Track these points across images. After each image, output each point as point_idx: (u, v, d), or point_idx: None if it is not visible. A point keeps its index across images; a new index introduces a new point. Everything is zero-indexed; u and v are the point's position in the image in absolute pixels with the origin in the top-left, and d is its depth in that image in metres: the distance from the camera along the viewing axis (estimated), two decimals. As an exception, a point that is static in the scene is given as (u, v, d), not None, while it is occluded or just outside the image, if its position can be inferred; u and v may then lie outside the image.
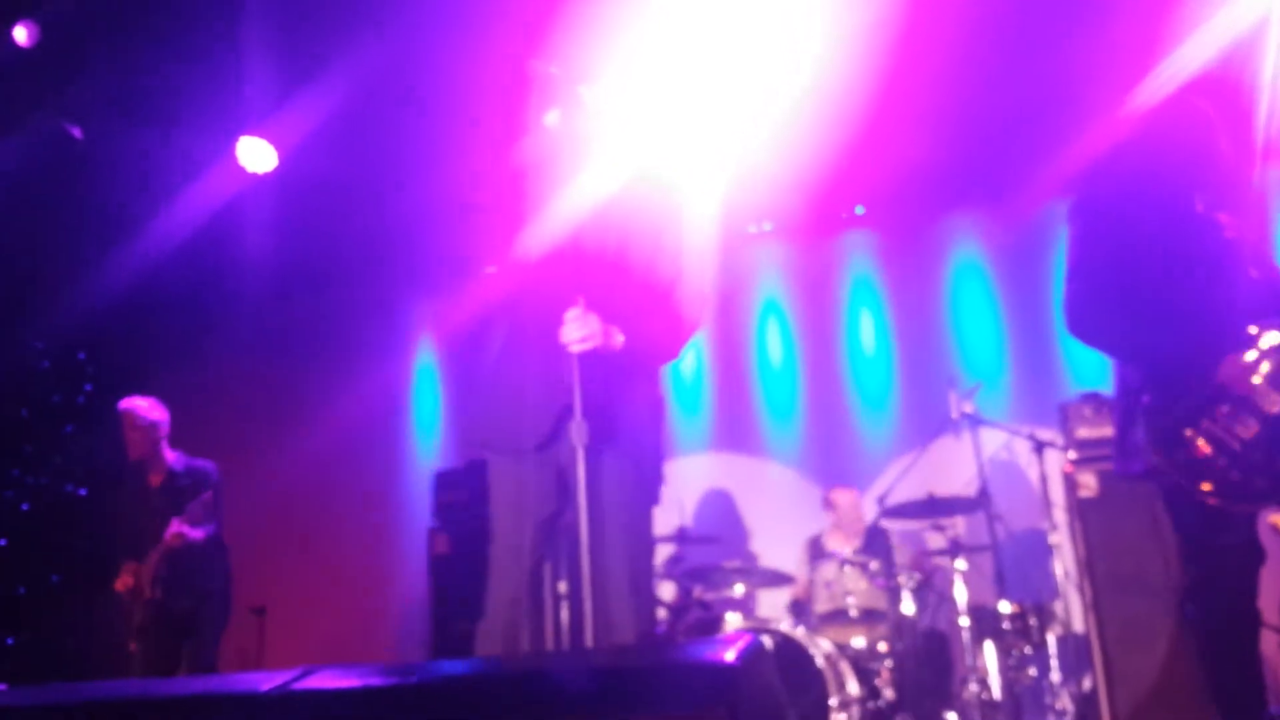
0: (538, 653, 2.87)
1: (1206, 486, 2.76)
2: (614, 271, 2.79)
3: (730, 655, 1.69)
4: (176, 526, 4.63)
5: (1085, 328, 3.01)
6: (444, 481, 5.83)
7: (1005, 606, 4.70)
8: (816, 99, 4.97)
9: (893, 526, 5.45)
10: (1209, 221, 2.97)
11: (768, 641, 4.43)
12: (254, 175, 5.70)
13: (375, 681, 1.83)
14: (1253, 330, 2.84)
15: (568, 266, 2.73)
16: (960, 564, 4.80)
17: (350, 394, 6.93)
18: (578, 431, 2.62)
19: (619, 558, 2.73)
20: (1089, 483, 4.71)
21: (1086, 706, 4.57)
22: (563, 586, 4.94)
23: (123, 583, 4.78)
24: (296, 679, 1.80)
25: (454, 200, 6.03)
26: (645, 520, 2.85)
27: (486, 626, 2.75)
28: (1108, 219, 3.05)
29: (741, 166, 5.03)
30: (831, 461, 6.16)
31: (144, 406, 4.93)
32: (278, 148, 5.65)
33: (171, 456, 4.94)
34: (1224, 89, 3.11)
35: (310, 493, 6.79)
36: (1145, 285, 2.91)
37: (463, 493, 5.70)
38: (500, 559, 2.75)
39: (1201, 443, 2.78)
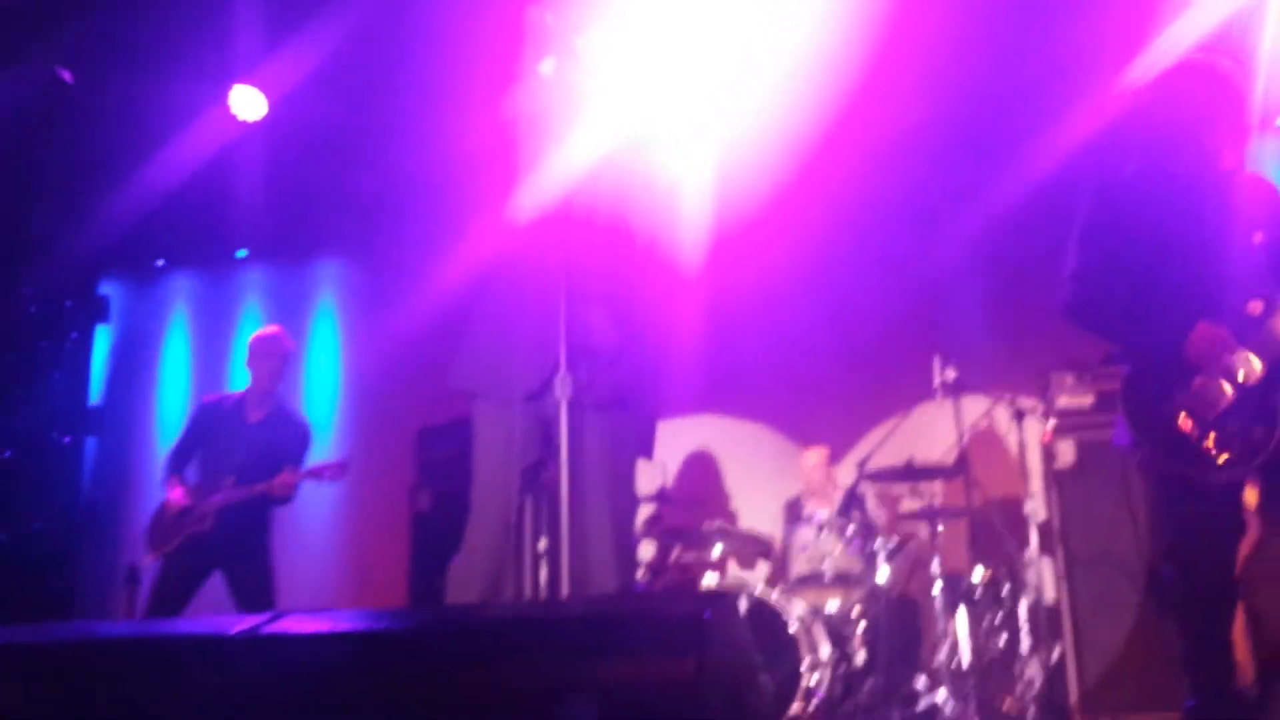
0: (510, 601, 2.90)
1: (1189, 459, 2.80)
2: (606, 233, 2.80)
3: (700, 609, 1.72)
4: (290, 475, 4.51)
5: (1081, 306, 3.05)
6: (428, 438, 5.84)
7: (978, 574, 4.76)
8: (810, 66, 4.97)
9: (871, 491, 5.50)
10: (1217, 187, 2.99)
11: (742, 603, 4.49)
12: (244, 123, 5.67)
13: (346, 626, 1.85)
14: (1241, 302, 2.86)
15: (559, 228, 2.74)
16: (936, 529, 4.85)
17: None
18: (562, 385, 2.64)
19: (601, 513, 2.76)
20: (1066, 452, 4.77)
21: (1055, 675, 4.64)
22: (543, 544, 4.98)
23: (179, 497, 4.59)
24: (266, 622, 1.81)
25: (447, 152, 5.99)
26: (629, 477, 2.88)
27: (463, 569, 2.77)
28: (1109, 203, 3.08)
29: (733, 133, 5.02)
30: (813, 424, 6.18)
31: (287, 336, 4.88)
32: (268, 95, 5.62)
33: (279, 398, 4.85)
34: (1217, 69, 3.10)
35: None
36: (1139, 263, 2.94)
37: (447, 449, 5.72)
38: (481, 504, 2.78)
39: (1180, 415, 2.82)
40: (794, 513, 5.48)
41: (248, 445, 4.62)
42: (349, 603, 6.27)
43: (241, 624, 1.81)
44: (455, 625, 1.88)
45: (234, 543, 4.56)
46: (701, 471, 6.39)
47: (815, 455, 5.60)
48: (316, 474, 4.60)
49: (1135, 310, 2.95)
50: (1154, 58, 4.83)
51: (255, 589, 4.58)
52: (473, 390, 2.87)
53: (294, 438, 4.74)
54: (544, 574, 4.94)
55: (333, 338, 7.20)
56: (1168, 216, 2.96)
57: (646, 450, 2.92)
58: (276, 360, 4.79)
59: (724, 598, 1.86)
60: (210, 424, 4.80)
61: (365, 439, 6.75)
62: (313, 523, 6.64)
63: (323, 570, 6.48)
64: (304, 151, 6.19)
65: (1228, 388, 2.80)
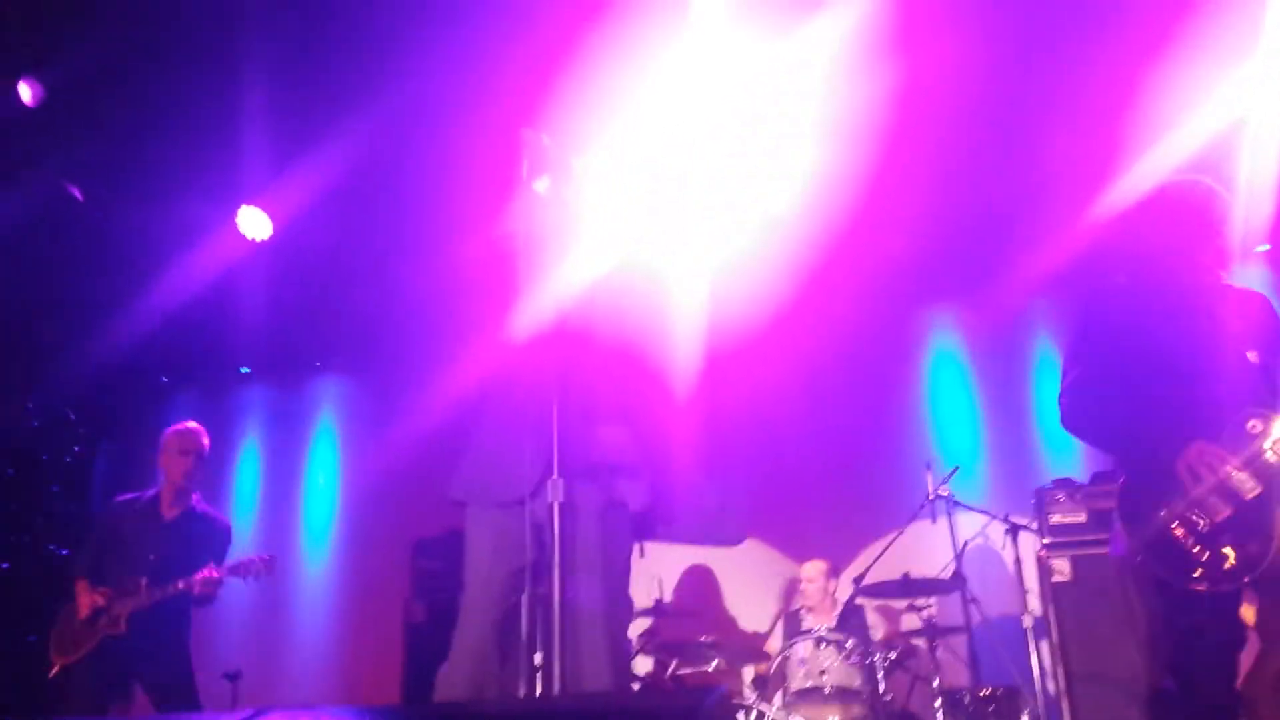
0: (499, 698, 2.87)
1: (1184, 571, 2.81)
2: (604, 351, 2.87)
3: (699, 699, 1.73)
4: (212, 572, 4.30)
5: (1078, 418, 3.10)
6: (422, 550, 5.83)
7: (979, 690, 4.70)
8: (803, 192, 5.13)
9: (870, 606, 5.47)
10: (1209, 299, 3.07)
11: (742, 716, 4.42)
12: (250, 243, 5.82)
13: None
14: (1239, 417, 2.90)
15: (554, 346, 2.81)
16: (935, 645, 4.81)
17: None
18: (554, 489, 2.68)
19: (595, 622, 2.76)
20: (1062, 567, 4.77)
21: (1059, 794, 4.55)
22: (539, 658, 4.92)
23: (90, 601, 4.35)
24: (249, 718, 1.80)
25: (445, 271, 6.13)
26: (623, 585, 2.89)
27: (450, 670, 2.75)
28: (1102, 314, 3.16)
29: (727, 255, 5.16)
30: (810, 541, 6.18)
31: (203, 432, 4.70)
32: (273, 216, 5.79)
33: (195, 496, 4.66)
34: (1199, 190, 3.23)
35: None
36: (1134, 375, 3.00)
37: (441, 561, 5.71)
38: (469, 606, 2.78)
39: (1174, 525, 2.84)
40: (793, 625, 5.44)
41: (162, 543, 4.45)
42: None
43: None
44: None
45: (149, 647, 4.35)
46: (698, 586, 6.35)
47: (815, 568, 5.59)
48: (241, 570, 4.40)
49: (1130, 422, 2.98)
50: (1136, 181, 5.01)
51: (176, 695, 4.36)
52: (467, 499, 2.90)
53: (212, 534, 4.58)
54: (539, 686, 4.90)
55: (332, 453, 7.24)
56: (1158, 328, 3.03)
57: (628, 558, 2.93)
58: (191, 457, 4.62)
59: (722, 693, 1.87)
60: (122, 523, 4.61)
61: (361, 550, 6.73)
62: (307, 631, 6.59)
63: (316, 679, 6.39)
64: (306, 271, 6.33)
65: (1224, 503, 2.83)
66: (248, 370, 7.38)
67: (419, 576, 5.74)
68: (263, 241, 5.78)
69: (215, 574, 4.34)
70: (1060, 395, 3.13)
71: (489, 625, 2.76)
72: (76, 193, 5.69)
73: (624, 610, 2.92)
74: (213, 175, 5.53)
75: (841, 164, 5.07)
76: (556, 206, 2.89)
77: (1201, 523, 2.82)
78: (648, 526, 2.89)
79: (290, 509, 7.11)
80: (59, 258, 6.02)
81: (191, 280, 5.96)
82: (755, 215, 5.15)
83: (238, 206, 5.69)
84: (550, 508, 2.61)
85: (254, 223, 5.70)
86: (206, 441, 4.73)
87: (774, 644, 5.50)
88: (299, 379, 7.45)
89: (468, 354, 6.26)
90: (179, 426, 4.76)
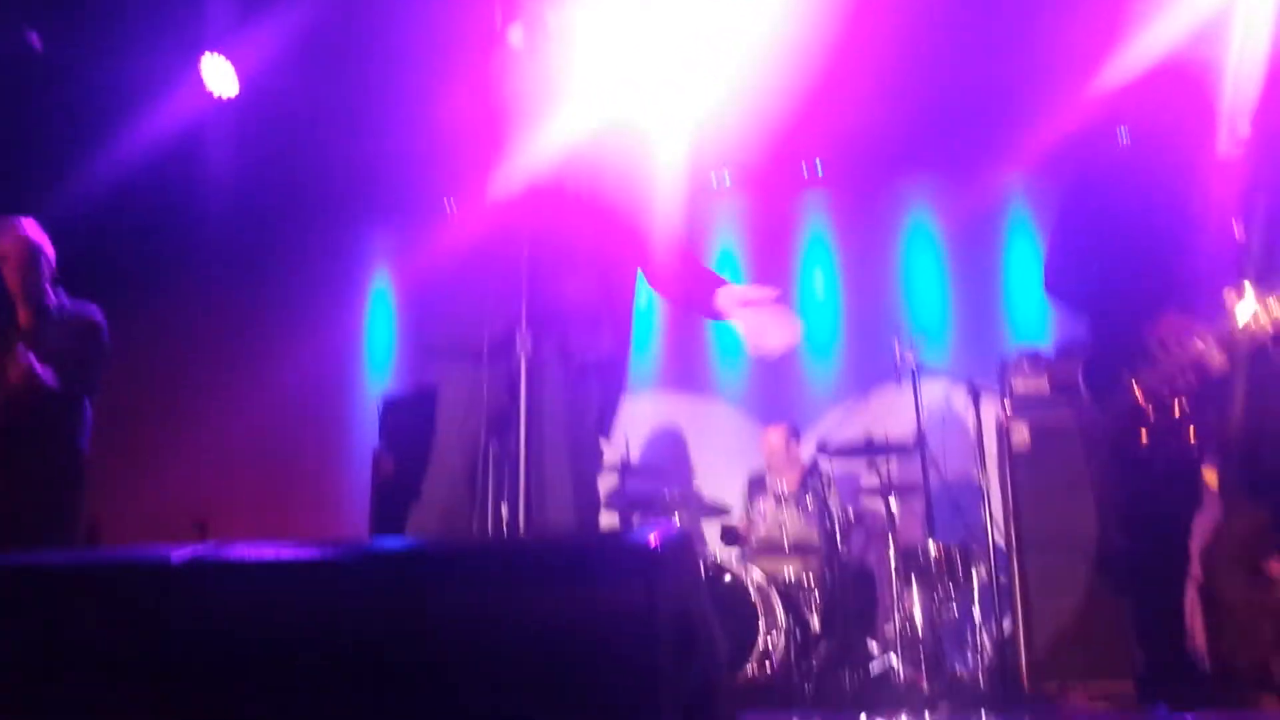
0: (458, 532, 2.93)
1: (1141, 434, 2.88)
2: (582, 213, 2.84)
3: (651, 539, 1.77)
4: (24, 357, 3.75)
5: (1061, 283, 3.14)
6: (392, 406, 5.87)
7: (932, 547, 4.86)
8: (782, 51, 5.03)
9: (831, 467, 5.59)
10: (1200, 173, 3.08)
11: (702, 568, 4.56)
12: (216, 98, 5.66)
13: (290, 554, 1.84)
14: (1215, 289, 2.94)
15: (535, 207, 2.77)
16: (893, 504, 4.95)
17: (306, 320, 6.96)
18: (522, 343, 2.69)
19: (561, 474, 2.80)
20: (1022, 433, 4.87)
21: (1005, 646, 4.75)
22: (504, 510, 5.03)
23: None
24: (209, 550, 1.81)
25: (419, 128, 6.01)
26: (592, 440, 2.92)
27: (422, 509, 2.80)
28: (1095, 183, 3.17)
29: (704, 115, 5.08)
30: (777, 403, 6.28)
31: (26, 224, 4.11)
32: (240, 70, 5.61)
33: (53, 298, 4.07)
34: (1189, 70, 3.21)
35: (260, 414, 6.83)
36: (1118, 245, 3.03)
37: (411, 418, 5.75)
38: (440, 457, 2.81)
39: (1140, 392, 2.90)
40: (757, 486, 5.57)
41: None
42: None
43: (183, 552, 1.81)
44: (399, 555, 1.90)
45: None
46: (664, 445, 6.47)
47: (776, 434, 5.69)
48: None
49: (1109, 289, 3.03)
50: (1124, 61, 4.93)
51: None
52: (438, 347, 2.90)
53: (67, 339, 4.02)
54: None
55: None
56: (1147, 204, 3.05)
57: (610, 415, 2.96)
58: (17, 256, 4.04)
59: (679, 532, 1.91)
60: None
61: (330, 409, 6.78)
62: (277, 482, 6.68)
63: (283, 531, 6.51)
64: (274, 125, 6.18)
65: (1191, 374, 2.88)
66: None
67: (389, 430, 5.78)
68: (230, 98, 5.63)
69: (28, 358, 3.81)
70: (1045, 260, 3.16)
71: (460, 476, 2.79)
72: (36, 41, 5.48)
73: (591, 462, 2.96)
74: (179, 25, 5.34)
75: (821, 33, 4.96)
76: (533, 62, 2.83)
77: (1166, 391, 2.88)
78: (613, 377, 2.90)
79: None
80: (17, 112, 5.83)
81: (156, 134, 5.81)
82: (733, 78, 5.06)
83: (200, 55, 5.51)
84: (517, 360, 2.63)
85: (219, 75, 5.53)
86: (28, 236, 4.09)
87: (739, 503, 5.64)
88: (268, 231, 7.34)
89: (438, 212, 6.21)
90: None
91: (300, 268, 7.09)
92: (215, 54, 5.58)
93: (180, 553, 1.82)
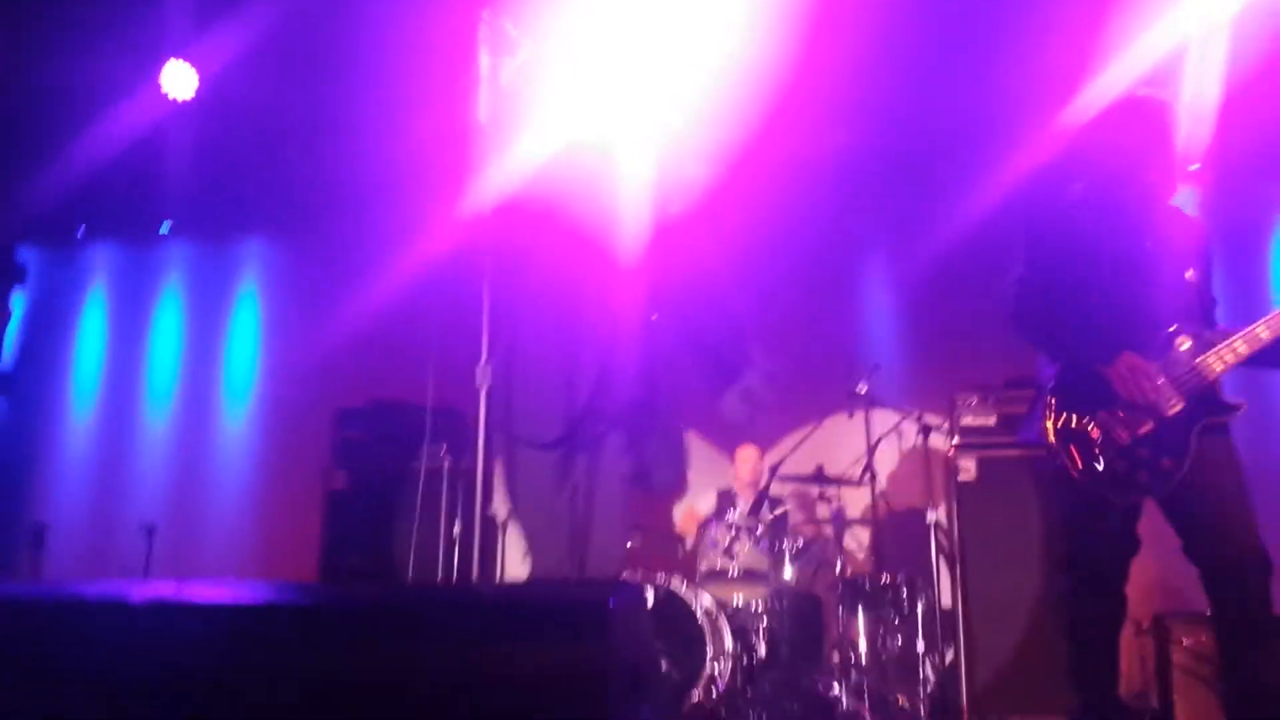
0: (422, 585, 2.98)
1: (1093, 473, 2.93)
2: (557, 230, 2.86)
3: (606, 597, 1.80)
4: None
5: (1027, 318, 3.18)
6: (346, 419, 5.84)
7: (880, 578, 4.93)
8: (745, 78, 5.07)
9: (784, 494, 5.65)
10: (1155, 216, 3.14)
11: (650, 594, 4.59)
12: (174, 102, 5.60)
13: (249, 598, 1.85)
14: (1169, 331, 3.01)
15: (511, 224, 2.80)
16: (842, 533, 5.01)
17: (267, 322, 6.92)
18: (482, 374, 2.72)
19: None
20: (968, 467, 4.96)
21: (948, 676, 4.83)
22: (457, 528, 5.03)
23: None
24: (169, 590, 1.82)
25: (380, 140, 5.98)
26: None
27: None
28: (1056, 220, 3.22)
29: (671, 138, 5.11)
30: (735, 430, 6.28)
31: None
32: (201, 72, 5.56)
33: None
34: (1147, 111, 3.28)
35: (210, 417, 6.80)
36: (1079, 280, 3.07)
37: (364, 431, 5.73)
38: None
39: (1095, 431, 2.96)
40: (726, 502, 5.60)
41: None
42: (257, 577, 6.25)
43: (145, 591, 1.82)
44: (359, 603, 1.91)
45: None
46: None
47: (752, 452, 5.72)
48: None
49: (1070, 324, 3.06)
50: (1087, 101, 5.04)
51: None
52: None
53: None
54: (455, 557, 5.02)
55: (254, 317, 7.14)
56: (1109, 240, 3.09)
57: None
58: None
59: (630, 587, 1.94)
60: None
61: (282, 418, 6.72)
62: (225, 490, 6.61)
63: (232, 539, 6.45)
64: (236, 129, 6.13)
65: (1146, 417, 2.94)
66: (169, 228, 7.16)
67: (341, 445, 5.75)
68: (189, 101, 5.57)
69: None
70: (1008, 289, 3.20)
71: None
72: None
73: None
74: (138, 28, 5.27)
75: (783, 62, 5.02)
76: (507, 89, 2.85)
77: (1123, 433, 2.94)
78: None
79: (211, 369, 7.05)
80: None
81: (114, 134, 5.74)
82: (702, 96, 5.09)
83: (164, 61, 5.45)
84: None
85: (180, 79, 5.48)
86: None
87: (699, 509, 5.66)
88: (223, 239, 7.27)
89: (404, 230, 6.16)
90: None
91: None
92: (175, 59, 5.52)
93: (141, 591, 1.82)
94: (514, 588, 2.60)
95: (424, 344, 5.25)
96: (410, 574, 5.24)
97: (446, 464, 5.29)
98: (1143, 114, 3.20)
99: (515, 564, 5.53)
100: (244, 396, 6.93)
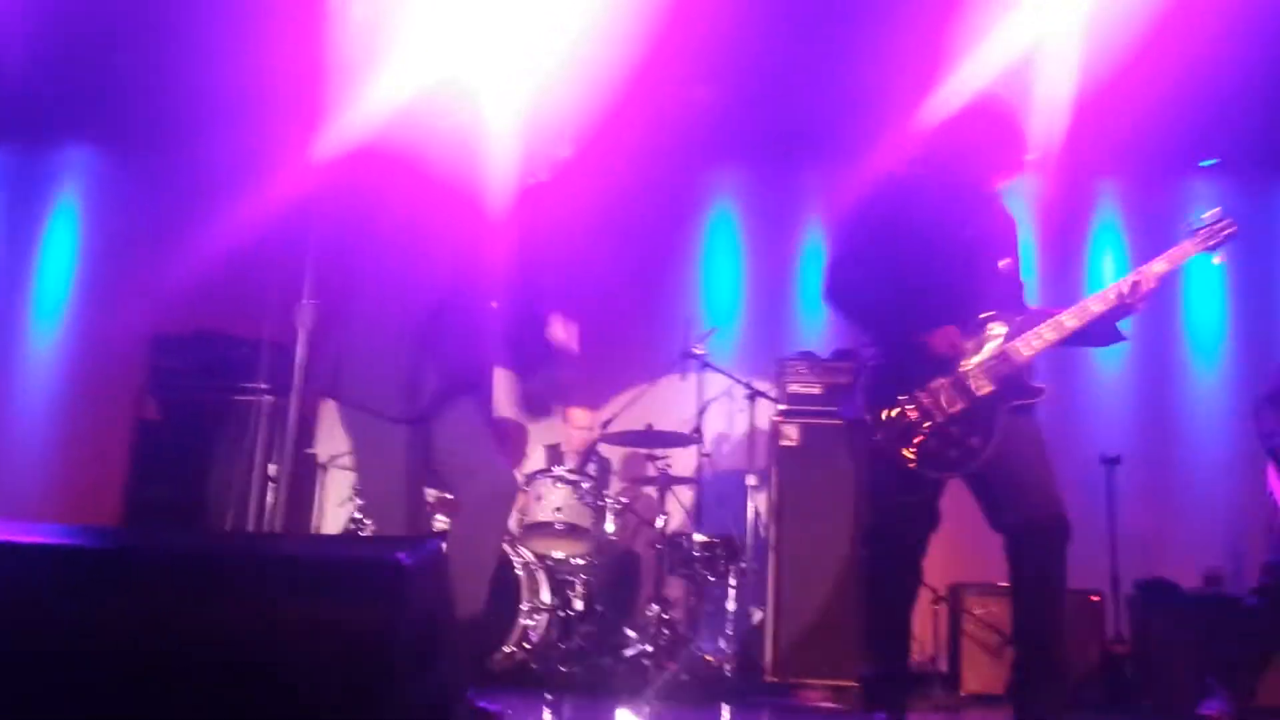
0: (217, 533, 2.88)
1: (906, 449, 3.04)
2: (415, 175, 2.76)
3: (399, 554, 1.77)
4: None
5: (841, 292, 3.25)
6: (162, 346, 5.56)
7: (698, 538, 5.03)
8: (607, 30, 5.01)
9: (612, 452, 5.69)
10: (978, 204, 3.25)
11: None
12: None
13: (42, 539, 1.78)
14: (982, 317, 3.14)
15: (366, 168, 2.70)
16: (664, 493, 5.08)
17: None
18: (303, 313, 2.64)
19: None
20: (791, 434, 5.10)
21: (754, 636, 4.99)
22: (273, 469, 4.88)
23: None
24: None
25: (235, 64, 5.64)
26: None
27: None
28: (880, 201, 3.29)
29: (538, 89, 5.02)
30: (572, 386, 6.27)
31: None
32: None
33: None
34: (997, 106, 3.38)
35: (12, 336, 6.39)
36: (900, 261, 3.15)
37: (181, 360, 5.48)
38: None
39: (911, 408, 3.06)
40: (553, 456, 5.60)
41: None
42: (62, 508, 5.93)
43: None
44: (150, 548, 1.85)
45: None
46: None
47: (584, 415, 5.71)
48: None
49: (888, 305, 3.15)
50: (938, 89, 5.17)
51: None
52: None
53: None
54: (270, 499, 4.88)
55: (71, 231, 6.71)
56: (929, 224, 3.18)
57: None
58: None
59: (431, 543, 1.92)
60: None
61: (94, 342, 6.36)
62: (30, 423, 6.25)
63: (37, 470, 6.10)
64: (63, 22, 5.68)
65: (959, 397, 3.06)
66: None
67: (155, 373, 5.48)
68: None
69: None
70: (827, 267, 3.27)
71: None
72: None
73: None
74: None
75: (646, 13, 4.98)
76: (365, 22, 2.74)
77: (936, 411, 3.05)
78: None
79: (19, 283, 6.60)
80: None
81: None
82: (563, 49, 5.01)
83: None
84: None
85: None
86: None
87: (530, 466, 5.65)
88: (42, 143, 6.78)
89: (256, 158, 5.85)
90: None
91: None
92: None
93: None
94: (311, 540, 2.53)
95: (259, 278, 5.07)
96: (221, 514, 5.08)
97: (267, 402, 5.12)
98: (979, 108, 3.31)
99: (332, 508, 5.43)
100: (54, 315, 6.53)
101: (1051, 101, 5.55)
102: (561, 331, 3.07)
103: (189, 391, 5.38)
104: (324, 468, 5.52)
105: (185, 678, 1.64)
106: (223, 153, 6.23)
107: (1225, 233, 3.22)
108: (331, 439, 5.72)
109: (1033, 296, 3.36)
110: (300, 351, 2.68)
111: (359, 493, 4.45)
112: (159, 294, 5.89)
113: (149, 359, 5.53)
